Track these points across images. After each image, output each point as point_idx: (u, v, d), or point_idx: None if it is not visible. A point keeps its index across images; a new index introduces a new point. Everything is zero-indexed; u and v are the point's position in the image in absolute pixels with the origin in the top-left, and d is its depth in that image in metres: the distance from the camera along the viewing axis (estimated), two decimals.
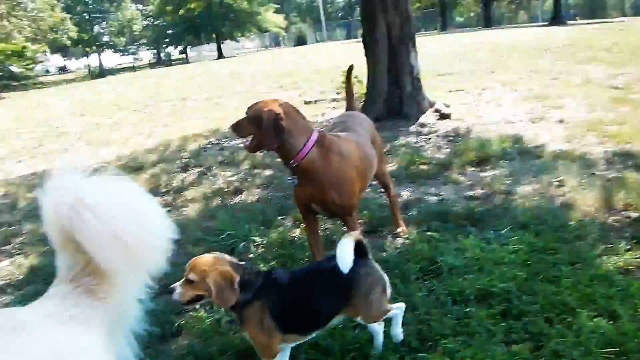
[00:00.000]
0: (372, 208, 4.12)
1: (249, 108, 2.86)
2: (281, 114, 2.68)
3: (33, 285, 3.69)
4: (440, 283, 2.93)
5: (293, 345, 2.32)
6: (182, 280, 2.16)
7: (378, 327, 2.38)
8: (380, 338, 2.40)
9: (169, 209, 4.92)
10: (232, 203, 4.85)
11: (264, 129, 2.69)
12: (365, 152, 3.17)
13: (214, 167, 6.34)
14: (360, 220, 3.89)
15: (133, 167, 7.05)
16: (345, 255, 2.10)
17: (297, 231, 3.91)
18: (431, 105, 7.67)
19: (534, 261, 3.04)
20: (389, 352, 2.38)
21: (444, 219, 3.80)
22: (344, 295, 2.24)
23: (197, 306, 2.61)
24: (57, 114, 16.74)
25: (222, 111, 11.43)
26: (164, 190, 5.72)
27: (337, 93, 9.74)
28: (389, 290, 2.35)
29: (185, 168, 6.61)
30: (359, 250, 2.21)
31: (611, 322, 2.44)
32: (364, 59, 7.67)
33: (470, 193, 4.41)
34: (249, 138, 2.89)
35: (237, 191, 5.21)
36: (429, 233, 3.57)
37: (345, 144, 3.00)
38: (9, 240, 4.98)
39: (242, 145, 6.70)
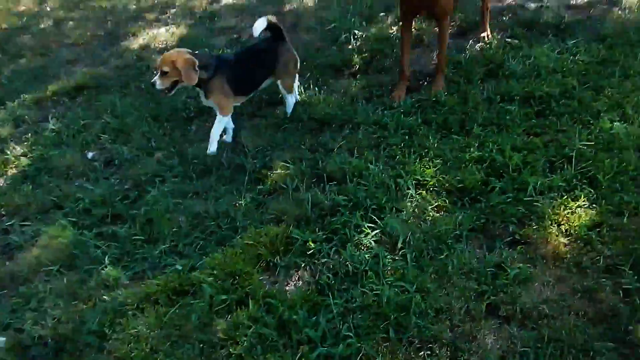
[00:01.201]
0: (468, 12, 4.45)
1: None
2: None
3: None
4: (497, 84, 3.46)
5: (238, 104, 3.38)
6: (158, 73, 3.05)
7: (291, 99, 3.48)
8: (291, 105, 3.50)
9: None
10: None
11: None
12: None
13: None
14: (452, 23, 4.33)
15: None
16: (257, 26, 3.16)
17: (394, 29, 4.44)
18: None
19: (592, 71, 3.41)
20: (431, 132, 3.13)
21: (530, 27, 4.09)
22: (271, 64, 3.29)
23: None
24: None
25: None
26: None
27: None
28: (297, 67, 3.45)
29: None
30: (279, 33, 3.29)
31: (626, 125, 2.91)
32: None
33: (573, 1, 4.47)
34: None
35: None
36: (508, 40, 3.95)
37: None
38: (164, 10, 6.10)
39: None
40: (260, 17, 3.23)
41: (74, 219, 2.91)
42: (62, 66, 5.06)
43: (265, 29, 3.23)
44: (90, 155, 3.52)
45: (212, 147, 3.25)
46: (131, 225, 2.78)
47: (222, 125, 3.26)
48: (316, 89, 3.75)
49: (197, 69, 3.02)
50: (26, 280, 2.62)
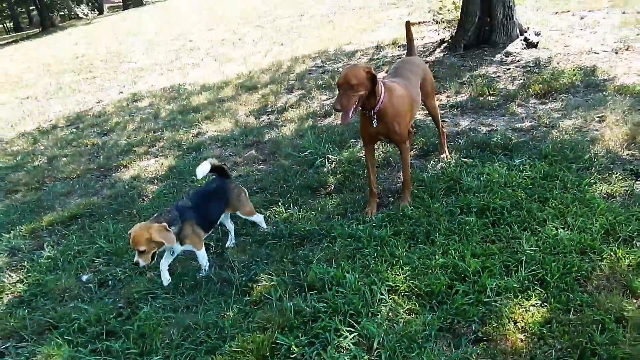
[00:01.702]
0: (427, 136, 5.03)
1: (339, 81, 3.56)
2: (372, 70, 3.61)
3: (170, 180, 5.22)
4: (456, 198, 3.89)
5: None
6: (136, 254, 3.19)
7: (258, 217, 3.91)
8: (261, 224, 3.94)
9: (270, 126, 6.23)
10: (319, 125, 6.00)
11: (362, 85, 3.49)
12: (413, 94, 4.09)
13: (313, 91, 7.47)
14: (415, 145, 4.89)
15: (248, 87, 8.44)
16: (200, 169, 3.47)
17: (363, 152, 4.96)
18: (522, 32, 7.95)
19: (537, 185, 3.87)
20: (400, 242, 3.48)
21: (482, 148, 4.64)
22: (225, 200, 3.66)
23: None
24: (190, 27, 18.63)
25: (334, 30, 12.28)
26: (269, 110, 7.03)
27: (437, 14, 10.10)
28: (247, 195, 3.87)
29: (290, 90, 7.84)
30: (223, 173, 3.70)
31: (568, 231, 3.30)
32: None
33: (519, 125, 5.11)
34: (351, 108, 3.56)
35: (327, 115, 6.33)
36: (464, 159, 4.47)
37: (399, 88, 3.94)
38: (153, 143, 6.63)
39: (340, 70, 7.70)
40: (207, 160, 3.56)
41: (69, 338, 3.08)
42: (57, 198, 5.40)
43: (210, 171, 3.56)
44: (84, 278, 3.74)
45: (206, 267, 3.55)
46: (125, 340, 2.97)
47: (204, 253, 3.55)
48: (295, 207, 4.14)
49: (169, 230, 3.24)
50: None
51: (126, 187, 5.29)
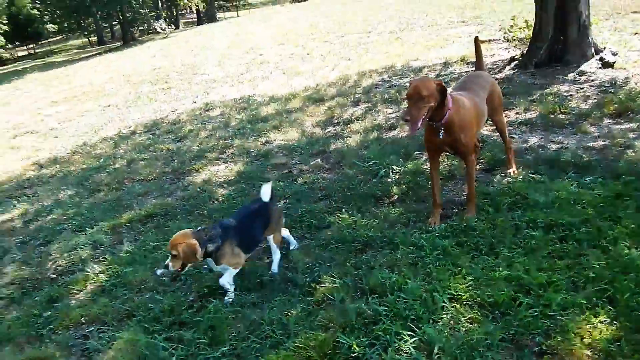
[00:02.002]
0: (494, 151, 5.00)
1: (409, 92, 3.63)
2: (442, 83, 3.69)
3: (239, 184, 5.45)
4: (522, 213, 3.86)
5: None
6: (170, 257, 3.27)
7: (277, 254, 3.74)
8: (276, 262, 3.73)
9: (335, 137, 6.38)
10: (384, 137, 6.09)
11: (432, 97, 3.55)
12: (479, 107, 4.11)
13: (379, 104, 7.57)
14: (481, 160, 4.87)
15: (315, 99, 8.65)
16: (265, 192, 3.61)
17: (427, 164, 5.00)
18: (598, 52, 7.72)
19: (607, 204, 3.77)
20: (463, 252, 3.49)
21: (552, 165, 4.57)
22: (266, 223, 3.62)
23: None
24: (260, 41, 19.27)
25: (402, 46, 12.37)
26: (335, 121, 7.19)
27: (508, 32, 9.99)
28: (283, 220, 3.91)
29: (356, 103, 7.97)
30: (272, 194, 3.67)
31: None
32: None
33: (591, 144, 4.98)
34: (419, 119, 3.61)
35: (392, 127, 6.41)
36: (532, 175, 4.41)
37: (466, 100, 3.98)
38: (224, 150, 6.93)
39: (406, 84, 7.76)
40: (268, 183, 3.70)
41: (145, 325, 3.30)
42: (135, 198, 5.76)
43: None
44: (159, 272, 3.98)
45: (230, 298, 3.44)
46: (196, 330, 3.15)
47: (232, 275, 3.48)
48: (359, 214, 4.23)
49: (198, 249, 3.23)
50: None
51: (198, 189, 5.58)
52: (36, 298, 4.00)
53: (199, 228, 3.45)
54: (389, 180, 4.84)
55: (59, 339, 3.41)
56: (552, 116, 5.87)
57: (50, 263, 4.54)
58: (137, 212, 5.24)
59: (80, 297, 3.91)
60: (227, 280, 3.45)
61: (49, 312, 3.74)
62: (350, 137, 6.33)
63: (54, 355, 3.24)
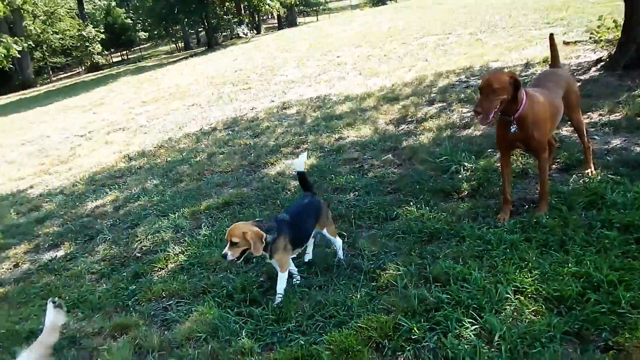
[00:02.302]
0: (572, 151, 4.84)
1: (481, 85, 3.68)
2: (515, 76, 3.69)
3: (311, 177, 5.61)
4: (597, 212, 3.74)
5: (294, 255, 3.62)
6: (227, 245, 3.24)
7: (339, 242, 3.81)
8: (340, 246, 3.82)
9: (408, 134, 6.42)
10: (458, 135, 6.05)
11: (504, 90, 3.55)
12: (554, 104, 4.03)
13: (454, 104, 7.51)
14: (557, 160, 4.74)
15: (390, 98, 8.71)
16: (298, 162, 3.74)
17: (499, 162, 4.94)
18: None
19: None
20: (531, 248, 3.45)
21: (634, 167, 4.37)
22: (317, 217, 3.65)
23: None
24: (338, 44, 19.51)
25: (482, 48, 12.12)
26: (409, 119, 7.22)
27: (595, 33, 9.55)
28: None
29: (431, 102, 7.95)
30: (310, 188, 3.81)
31: None
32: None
33: None
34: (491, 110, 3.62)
35: (466, 126, 6.36)
36: (611, 176, 4.24)
37: (541, 96, 3.93)
38: (298, 145, 7.15)
39: None
40: (304, 152, 3.91)
41: (219, 301, 3.55)
42: (213, 188, 6.10)
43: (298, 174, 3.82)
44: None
45: (279, 299, 3.42)
46: (265, 307, 3.34)
47: (285, 279, 3.47)
48: (427, 208, 4.27)
49: (263, 240, 3.26)
50: (180, 345, 3.23)
51: (272, 181, 5.83)
52: (123, 273, 4.38)
53: (256, 219, 3.55)
54: (460, 176, 4.83)
55: (142, 310, 3.73)
56: (639, 119, 5.58)
57: (136, 243, 4.92)
58: (215, 200, 5.56)
59: (162, 274, 4.23)
60: (282, 287, 3.45)
61: (134, 286, 4.09)
62: (422, 134, 6.34)
63: (138, 323, 3.55)
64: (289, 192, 5.35)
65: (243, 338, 3.10)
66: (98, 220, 5.85)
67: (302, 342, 2.94)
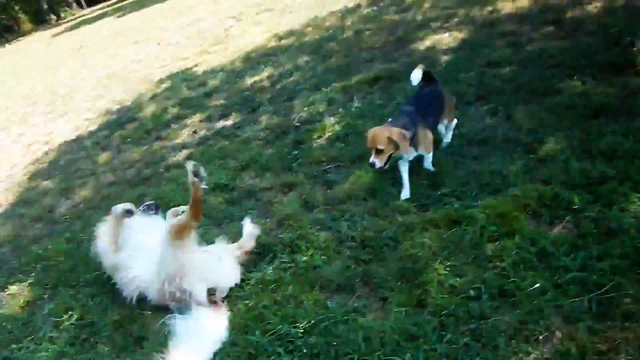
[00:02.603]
0: None
1: None
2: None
3: (463, 51, 5.44)
4: None
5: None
6: (373, 153, 3.25)
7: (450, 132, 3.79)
8: (449, 136, 3.82)
9: (573, 5, 5.81)
10: (634, 4, 5.35)
11: None
12: None
13: None
14: None
15: None
16: (415, 76, 3.63)
17: None
18: None
19: None
20: None
21: None
22: (442, 106, 3.62)
23: None
24: None
25: None
26: None
27: None
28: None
29: None
30: (430, 77, 3.68)
31: None
32: None
33: None
34: None
35: None
36: None
37: None
38: (448, 19, 6.84)
39: None
40: (419, 66, 3.69)
41: None
42: (362, 64, 6.20)
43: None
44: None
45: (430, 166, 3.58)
46: (420, 174, 3.54)
47: (432, 156, 3.56)
48: (594, 82, 3.99)
49: (407, 138, 3.27)
50: (340, 202, 3.59)
51: (422, 56, 5.75)
52: (285, 140, 4.82)
53: (389, 120, 3.47)
54: (635, 49, 4.37)
55: (305, 171, 4.15)
56: None
57: (294, 114, 5.30)
58: (365, 75, 5.68)
59: (320, 142, 4.58)
60: (430, 163, 3.56)
61: (296, 152, 4.50)
62: (590, 4, 5.70)
63: (303, 182, 3.98)
64: (439, 67, 5.27)
65: (399, 199, 3.36)
66: (258, 94, 6.32)
67: (457, 206, 3.12)
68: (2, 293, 3.97)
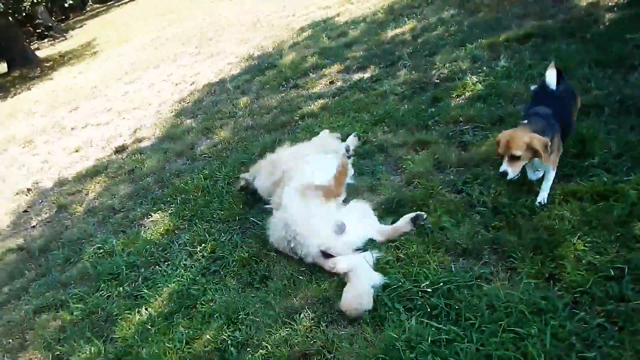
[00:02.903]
0: None
1: None
2: None
3: (632, 9, 4.82)
4: None
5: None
6: (505, 160, 2.79)
7: None
8: None
9: None
10: None
11: None
12: None
13: None
14: None
15: None
16: (550, 77, 3.08)
17: None
18: None
19: None
20: None
21: None
22: (576, 108, 3.20)
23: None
24: None
25: None
26: None
27: None
28: None
29: None
30: (560, 74, 3.12)
31: None
32: None
33: None
34: None
35: None
36: None
37: None
38: None
39: None
40: (551, 64, 3.15)
41: None
42: (513, 19, 5.76)
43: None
44: (533, 87, 4.09)
45: (544, 196, 2.94)
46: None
47: (553, 175, 2.95)
48: None
49: (549, 148, 2.79)
50: (475, 165, 3.48)
51: (582, 12, 5.21)
52: (423, 97, 4.71)
53: (524, 122, 2.95)
54: None
55: (440, 130, 4.05)
56: None
57: (434, 71, 5.14)
58: (515, 32, 5.29)
59: (459, 101, 4.41)
60: (550, 185, 2.95)
61: (433, 109, 4.39)
62: None
63: (437, 141, 3.89)
64: (601, 26, 4.73)
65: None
66: (398, 47, 6.19)
67: (605, 179, 2.86)
68: (146, 219, 4.48)
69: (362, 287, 2.71)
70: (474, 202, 3.12)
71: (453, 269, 2.73)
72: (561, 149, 2.98)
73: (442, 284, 2.62)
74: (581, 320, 2.21)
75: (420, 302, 2.59)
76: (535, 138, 2.75)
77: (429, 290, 2.63)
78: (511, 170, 2.81)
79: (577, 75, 4.01)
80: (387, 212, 3.34)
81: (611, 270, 2.36)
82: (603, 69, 4.00)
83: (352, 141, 4.20)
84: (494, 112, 3.94)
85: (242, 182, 4.05)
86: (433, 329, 2.44)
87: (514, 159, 2.80)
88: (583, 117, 3.45)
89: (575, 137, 3.22)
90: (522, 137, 2.77)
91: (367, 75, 5.71)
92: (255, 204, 3.98)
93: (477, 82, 4.54)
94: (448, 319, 2.45)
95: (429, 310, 2.54)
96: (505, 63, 4.68)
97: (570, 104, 3.14)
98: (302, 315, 2.81)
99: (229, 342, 2.83)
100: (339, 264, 2.95)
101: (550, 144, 2.77)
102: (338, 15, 8.87)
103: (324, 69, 6.37)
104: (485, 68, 4.75)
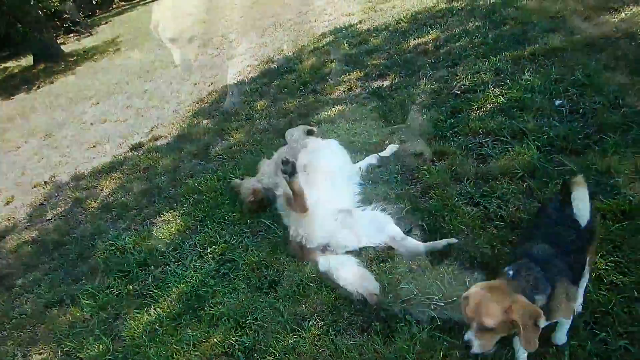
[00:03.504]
0: None
1: None
2: None
3: None
4: None
5: None
6: (474, 328, 1.95)
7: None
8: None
9: None
10: None
11: None
12: None
13: None
14: None
15: None
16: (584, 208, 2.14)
17: None
18: None
19: None
20: None
21: None
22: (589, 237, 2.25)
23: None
24: None
25: None
26: None
27: None
28: None
29: None
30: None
31: None
32: None
33: None
34: None
35: None
36: None
37: None
38: None
39: None
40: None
41: (538, 144, 3.56)
42: (540, 33, 5.65)
43: None
44: (557, 102, 4.02)
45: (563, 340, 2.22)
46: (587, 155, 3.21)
47: (570, 323, 2.19)
48: None
49: (539, 325, 1.91)
50: (493, 178, 3.42)
51: (614, 29, 5.07)
52: (442, 107, 4.64)
53: (507, 270, 2.08)
54: None
55: (459, 141, 3.99)
56: None
57: (455, 82, 5.07)
58: (541, 47, 5.20)
59: (479, 113, 4.34)
60: (566, 332, 2.22)
61: (452, 120, 4.33)
62: None
63: (455, 153, 3.83)
64: (632, 43, 4.62)
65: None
66: (420, 56, 6.14)
67: (631, 198, 2.79)
68: (158, 218, 4.48)
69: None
70: (491, 216, 3.06)
71: (467, 283, 2.67)
72: (574, 294, 2.15)
73: (455, 298, 2.56)
74: (602, 342, 2.14)
75: (432, 315, 2.54)
76: (517, 305, 1.90)
77: (441, 303, 2.58)
78: (478, 345, 1.96)
79: (605, 92, 3.92)
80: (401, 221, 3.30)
81: (635, 292, 2.29)
82: (633, 86, 3.90)
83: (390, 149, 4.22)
84: (515, 126, 3.87)
85: (251, 197, 3.99)
86: (445, 343, 2.39)
87: (484, 330, 1.95)
88: (610, 134, 3.37)
89: (600, 155, 3.15)
90: (497, 304, 1.92)
91: (386, 83, 5.66)
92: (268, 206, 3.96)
93: (499, 94, 4.46)
94: (461, 333, 2.39)
95: (440, 323, 2.48)
96: (529, 77, 4.60)
97: (578, 234, 2.17)
98: (310, 323, 2.78)
99: (237, 346, 2.81)
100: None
101: (541, 317, 1.90)
102: (360, 22, 8.83)
103: (343, 76, 6.33)
104: (508, 81, 4.66)
